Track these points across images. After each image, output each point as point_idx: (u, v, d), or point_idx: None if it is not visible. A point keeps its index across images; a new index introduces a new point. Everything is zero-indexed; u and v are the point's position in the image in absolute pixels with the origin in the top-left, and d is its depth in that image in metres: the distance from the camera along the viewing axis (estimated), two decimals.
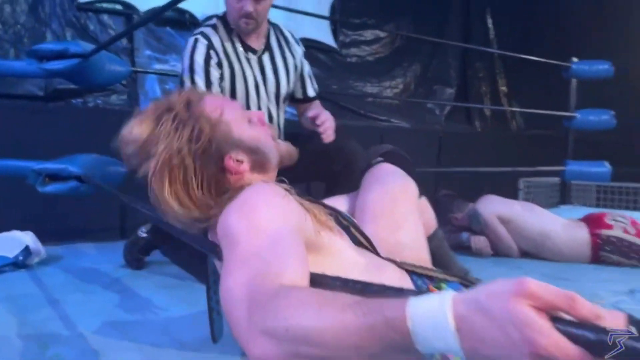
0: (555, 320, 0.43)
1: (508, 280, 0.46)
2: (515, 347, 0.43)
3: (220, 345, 1.12)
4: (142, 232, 1.89)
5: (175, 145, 0.90)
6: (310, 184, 2.08)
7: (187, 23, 3.93)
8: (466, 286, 1.09)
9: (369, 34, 5.20)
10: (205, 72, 1.65)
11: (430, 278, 1.07)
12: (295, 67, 1.88)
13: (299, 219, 0.84)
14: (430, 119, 5.59)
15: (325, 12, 4.82)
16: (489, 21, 6.02)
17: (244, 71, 1.75)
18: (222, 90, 1.70)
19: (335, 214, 1.03)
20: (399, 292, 0.62)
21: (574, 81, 3.87)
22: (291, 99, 1.94)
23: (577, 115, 3.58)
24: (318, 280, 0.69)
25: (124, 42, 3.89)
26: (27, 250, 1.75)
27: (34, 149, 2.23)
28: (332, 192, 1.68)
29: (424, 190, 1.47)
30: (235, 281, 0.67)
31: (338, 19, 4.86)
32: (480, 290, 0.47)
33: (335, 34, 4.89)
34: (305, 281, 0.69)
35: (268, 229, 0.75)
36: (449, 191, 2.51)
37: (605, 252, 2.11)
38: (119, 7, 3.72)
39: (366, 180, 1.33)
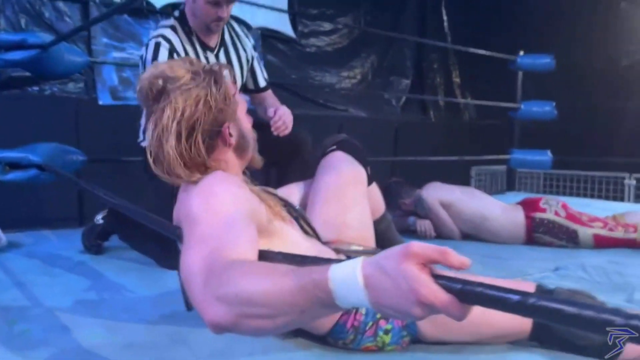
0: (436, 276, 0.55)
1: (401, 245, 0.58)
2: (405, 297, 0.55)
3: (182, 320, 1.22)
4: (99, 219, 1.96)
5: (210, 97, 1.04)
6: (269, 171, 2.17)
7: (144, 11, 3.94)
8: None
9: (327, 25, 5.29)
10: None
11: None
12: (247, 60, 1.96)
13: (251, 206, 0.96)
14: (387, 109, 5.74)
15: (284, 1, 4.87)
16: (444, 12, 6.20)
17: None
18: None
19: (288, 206, 1.18)
20: (327, 262, 0.74)
21: (520, 74, 4.09)
22: (244, 89, 2.02)
23: (521, 106, 3.79)
24: (264, 255, 0.81)
25: None
26: None
27: None
28: (282, 178, 1.80)
29: (375, 177, 1.61)
30: (193, 257, 0.77)
31: (295, 12, 4.91)
32: (381, 255, 0.59)
33: (294, 24, 4.95)
34: (254, 257, 0.80)
35: (223, 213, 0.87)
36: (398, 178, 2.65)
37: (538, 233, 2.29)
38: None
39: (321, 167, 1.47)
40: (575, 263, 1.97)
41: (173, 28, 1.81)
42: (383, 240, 1.62)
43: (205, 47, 1.85)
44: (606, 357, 1.09)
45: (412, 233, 2.46)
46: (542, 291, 1.15)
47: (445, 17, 6.24)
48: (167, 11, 3.99)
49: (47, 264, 1.73)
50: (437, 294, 0.54)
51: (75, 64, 2.01)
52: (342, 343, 1.13)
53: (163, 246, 1.62)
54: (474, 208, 2.36)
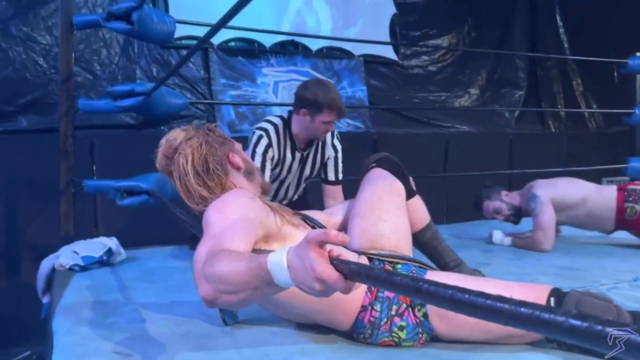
0: (332, 258, 0.69)
1: (309, 233, 0.72)
2: (307, 274, 0.69)
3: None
4: None
5: (209, 138, 1.34)
6: None
7: (256, 52, 4.37)
8: (422, 269, 1.33)
9: (430, 44, 5.32)
10: (262, 163, 2.12)
11: (390, 261, 1.32)
12: (323, 159, 2.31)
13: (259, 214, 1.16)
14: (500, 122, 5.58)
15: (385, 25, 5.03)
16: (558, 18, 5.90)
17: (291, 163, 2.23)
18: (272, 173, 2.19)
19: (304, 217, 1.41)
20: None
21: (638, 77, 3.81)
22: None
23: (636, 111, 3.53)
24: (257, 252, 0.99)
25: (202, 72, 4.41)
26: (109, 252, 2.17)
27: (130, 170, 2.63)
28: None
29: (419, 190, 1.72)
30: (201, 249, 0.99)
31: (398, 42, 4.99)
32: (299, 243, 0.73)
33: (396, 47, 5.08)
34: (245, 250, 0.99)
35: (230, 219, 1.08)
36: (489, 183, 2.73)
37: (629, 202, 2.32)
38: (195, 42, 4.21)
39: (361, 183, 1.62)
40: None
41: (276, 127, 2.18)
42: (428, 249, 1.70)
43: (299, 149, 2.22)
44: None
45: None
46: (557, 294, 1.16)
47: (560, 23, 5.94)
48: (276, 49, 4.39)
49: (151, 273, 2.06)
50: (327, 272, 0.67)
51: (176, 106, 2.36)
52: (363, 337, 1.25)
53: None
54: (576, 192, 2.44)
